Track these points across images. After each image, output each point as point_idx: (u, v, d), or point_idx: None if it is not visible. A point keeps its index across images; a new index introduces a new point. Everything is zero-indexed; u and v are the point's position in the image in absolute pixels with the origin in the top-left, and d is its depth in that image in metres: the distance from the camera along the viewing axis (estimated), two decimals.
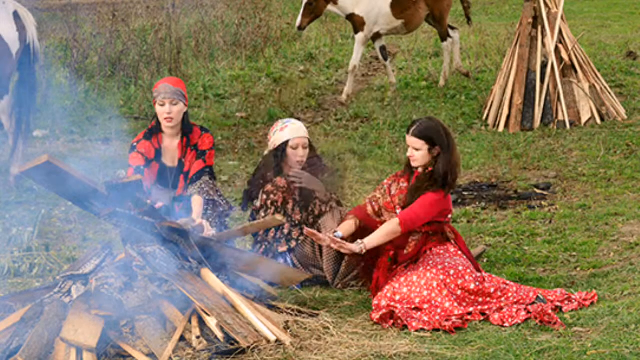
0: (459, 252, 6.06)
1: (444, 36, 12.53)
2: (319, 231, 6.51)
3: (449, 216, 6.19)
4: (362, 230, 6.26)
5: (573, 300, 5.89)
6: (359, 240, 6.03)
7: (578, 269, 6.77)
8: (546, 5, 11.02)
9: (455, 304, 5.76)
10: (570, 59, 10.98)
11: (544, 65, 11.00)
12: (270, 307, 5.73)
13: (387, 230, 6.03)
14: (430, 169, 6.10)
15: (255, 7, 16.42)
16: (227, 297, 5.48)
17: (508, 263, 6.90)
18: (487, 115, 11.26)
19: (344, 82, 13.29)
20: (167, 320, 5.40)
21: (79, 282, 5.57)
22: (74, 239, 7.47)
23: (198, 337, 5.24)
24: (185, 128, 6.61)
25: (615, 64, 13.45)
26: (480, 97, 11.99)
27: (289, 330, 5.45)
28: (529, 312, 5.71)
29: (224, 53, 14.35)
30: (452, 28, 12.74)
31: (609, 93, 11.26)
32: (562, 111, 10.89)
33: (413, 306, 5.79)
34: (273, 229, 6.55)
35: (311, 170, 6.70)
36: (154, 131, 6.61)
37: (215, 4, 16.86)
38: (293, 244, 6.56)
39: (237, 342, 5.21)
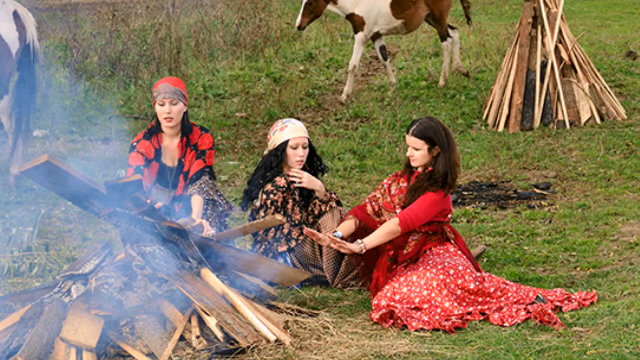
0: (459, 252, 6.06)
1: (444, 36, 12.54)
2: (319, 231, 6.51)
3: (449, 216, 6.20)
4: (362, 230, 6.26)
5: (573, 300, 5.89)
6: (359, 240, 6.03)
7: (578, 269, 6.77)
8: (546, 5, 11.02)
9: (455, 304, 5.76)
10: (570, 59, 10.99)
11: (544, 65, 11.01)
12: (270, 307, 5.73)
13: (387, 230, 6.03)
14: (430, 169, 6.10)
15: (255, 7, 16.42)
16: (227, 297, 5.48)
17: (508, 263, 6.90)
18: (487, 115, 11.26)
19: (344, 82, 13.30)
20: (167, 320, 5.40)
21: (79, 282, 5.57)
22: (74, 239, 7.48)
23: (198, 337, 5.24)
24: (185, 128, 6.61)
25: (615, 64, 13.45)
26: (480, 97, 11.99)
27: (289, 330, 5.45)
28: (529, 312, 5.71)
29: (224, 53, 14.35)
30: (452, 28, 12.74)
31: (609, 93, 11.26)
32: (562, 111, 10.90)
33: (413, 306, 5.79)
34: (273, 229, 6.55)
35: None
36: (154, 131, 6.61)
37: (215, 4, 16.86)
38: (293, 244, 6.56)
39: (237, 342, 5.21)
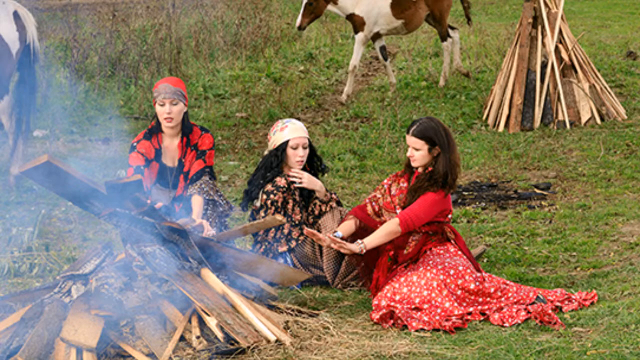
0: (459, 252, 6.06)
1: (444, 36, 12.54)
2: (319, 231, 6.51)
3: (449, 216, 6.20)
4: (362, 230, 6.26)
5: (573, 300, 5.89)
6: (359, 240, 6.03)
7: (578, 269, 6.77)
8: (546, 5, 11.02)
9: (455, 304, 5.76)
10: (570, 59, 10.99)
11: (544, 65, 11.01)
12: (270, 307, 5.73)
13: (387, 230, 6.03)
14: (430, 169, 6.10)
15: (255, 7, 16.42)
16: (227, 297, 5.48)
17: (508, 263, 6.90)
18: (487, 115, 11.26)
19: (344, 82, 13.30)
20: (167, 320, 5.40)
21: (79, 282, 5.57)
22: (74, 239, 7.47)
23: (198, 337, 5.24)
24: (185, 128, 6.61)
25: (615, 64, 13.45)
26: (480, 97, 11.99)
27: (289, 330, 5.45)
28: (529, 312, 5.71)
29: (224, 53, 14.35)
30: (452, 28, 12.74)
31: (609, 93, 11.26)
32: (562, 111, 10.90)
33: (413, 306, 5.79)
34: (273, 229, 6.55)
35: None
36: (154, 131, 6.61)
37: (215, 4, 16.86)
38: (293, 244, 6.56)
39: (237, 342, 5.21)
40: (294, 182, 6.58)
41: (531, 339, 5.35)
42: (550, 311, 5.66)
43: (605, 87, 11.25)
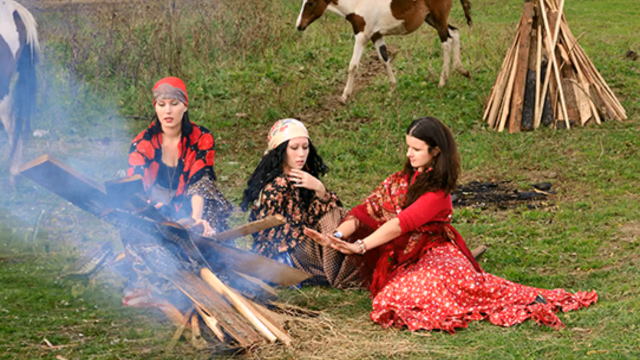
0: (459, 252, 6.06)
1: (444, 36, 12.54)
2: (319, 231, 6.51)
3: (449, 216, 6.20)
4: (362, 230, 6.26)
5: (573, 300, 5.89)
6: (359, 240, 6.03)
7: (578, 269, 6.77)
8: (546, 5, 11.02)
9: (455, 304, 5.76)
10: (570, 59, 10.99)
11: (544, 65, 11.01)
12: (270, 307, 5.73)
13: (387, 230, 6.03)
14: (430, 169, 6.10)
15: (255, 7, 16.42)
16: (227, 297, 5.48)
17: (508, 263, 6.90)
18: (487, 115, 11.26)
19: (344, 82, 13.29)
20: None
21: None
22: (74, 239, 7.47)
23: (198, 337, 5.24)
24: (185, 128, 6.61)
25: (615, 64, 13.45)
26: (480, 97, 11.99)
27: (289, 330, 5.45)
28: (529, 312, 5.71)
29: (224, 53, 14.35)
30: (452, 28, 12.74)
31: (609, 93, 11.26)
32: (562, 111, 10.90)
33: (413, 306, 5.79)
34: (273, 229, 6.55)
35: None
36: (154, 131, 6.61)
37: (215, 4, 16.85)
38: (293, 244, 6.56)
39: (237, 342, 5.21)
40: (294, 182, 6.58)
41: (531, 339, 5.35)
42: (550, 311, 5.66)
43: (605, 87, 11.25)
